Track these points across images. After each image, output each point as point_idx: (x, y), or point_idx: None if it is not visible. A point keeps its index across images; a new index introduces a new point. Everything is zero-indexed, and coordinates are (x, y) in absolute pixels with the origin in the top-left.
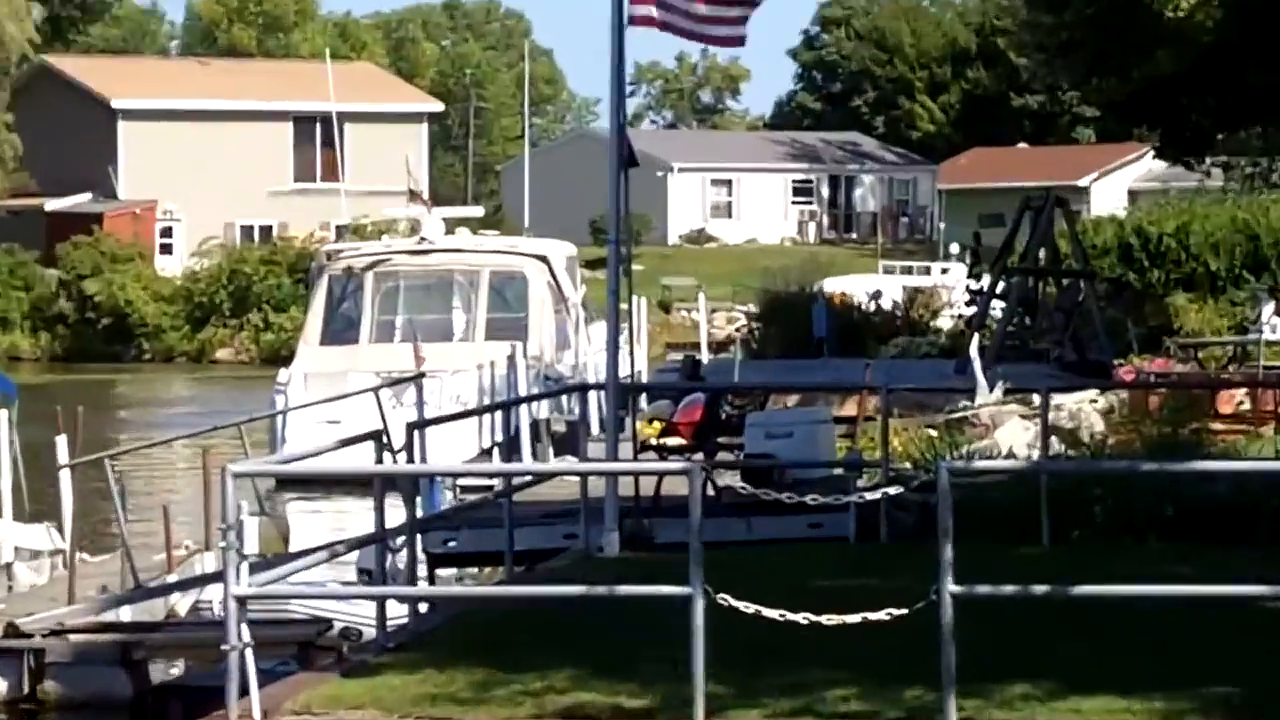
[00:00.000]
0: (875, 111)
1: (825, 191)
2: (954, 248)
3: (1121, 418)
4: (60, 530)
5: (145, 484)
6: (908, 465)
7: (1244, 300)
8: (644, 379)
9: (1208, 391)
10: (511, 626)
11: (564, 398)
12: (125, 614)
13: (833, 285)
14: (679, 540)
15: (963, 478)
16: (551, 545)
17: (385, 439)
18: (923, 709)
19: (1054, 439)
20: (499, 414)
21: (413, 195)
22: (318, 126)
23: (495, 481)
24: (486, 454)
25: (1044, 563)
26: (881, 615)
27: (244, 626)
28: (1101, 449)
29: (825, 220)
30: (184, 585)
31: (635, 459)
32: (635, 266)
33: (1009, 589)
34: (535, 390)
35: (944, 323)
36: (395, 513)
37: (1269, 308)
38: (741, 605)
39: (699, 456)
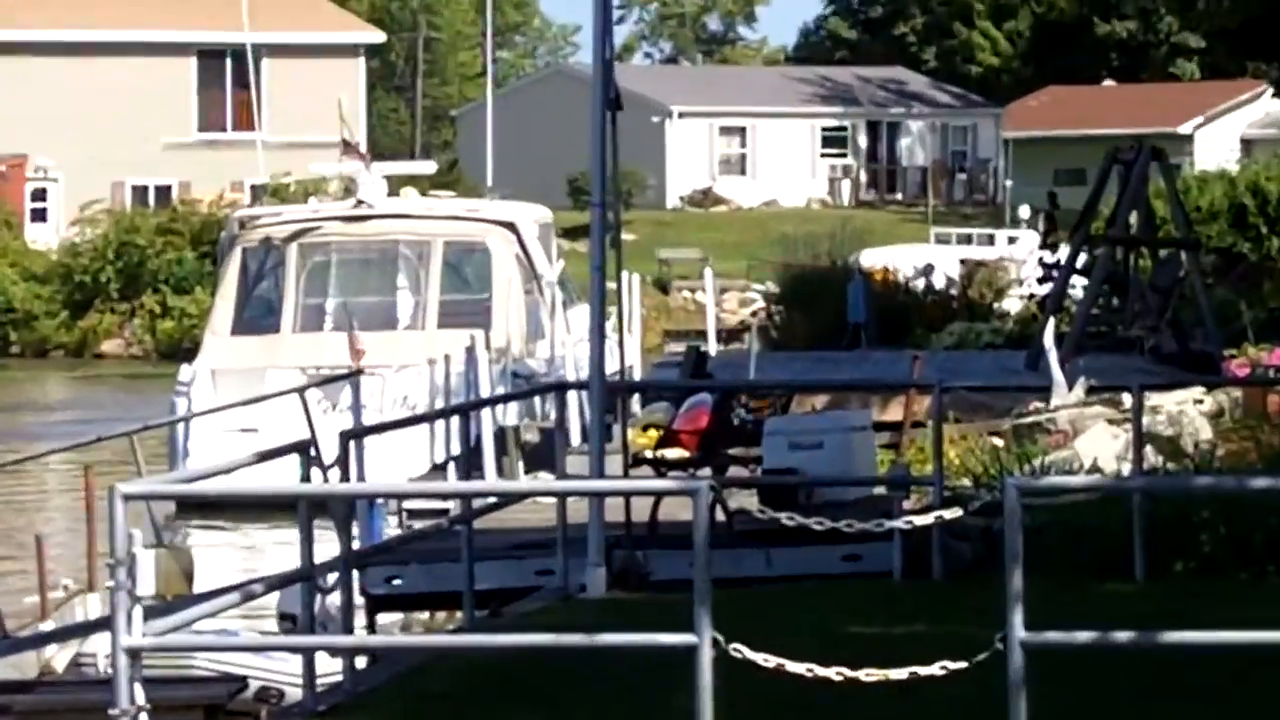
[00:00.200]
0: (925, 41)
1: (863, 142)
2: (1024, 211)
3: (1234, 422)
4: None
5: (13, 510)
6: (966, 483)
7: None
8: (637, 376)
9: None
10: (471, 684)
11: (537, 399)
12: None
13: (872, 258)
14: (681, 577)
15: (1035, 498)
16: (522, 584)
17: (314, 451)
18: None
19: (1149, 449)
20: (455, 420)
21: (347, 147)
22: (228, 62)
23: (451, 504)
24: (440, 470)
25: (1137, 603)
26: (934, 669)
27: (137, 686)
28: (1209, 461)
29: (863, 177)
30: (62, 635)
31: (626, 476)
32: (626, 236)
33: (1092, 635)
34: (501, 390)
35: (1011, 305)
36: (326, 544)
37: None
38: (759, 658)
39: (706, 472)
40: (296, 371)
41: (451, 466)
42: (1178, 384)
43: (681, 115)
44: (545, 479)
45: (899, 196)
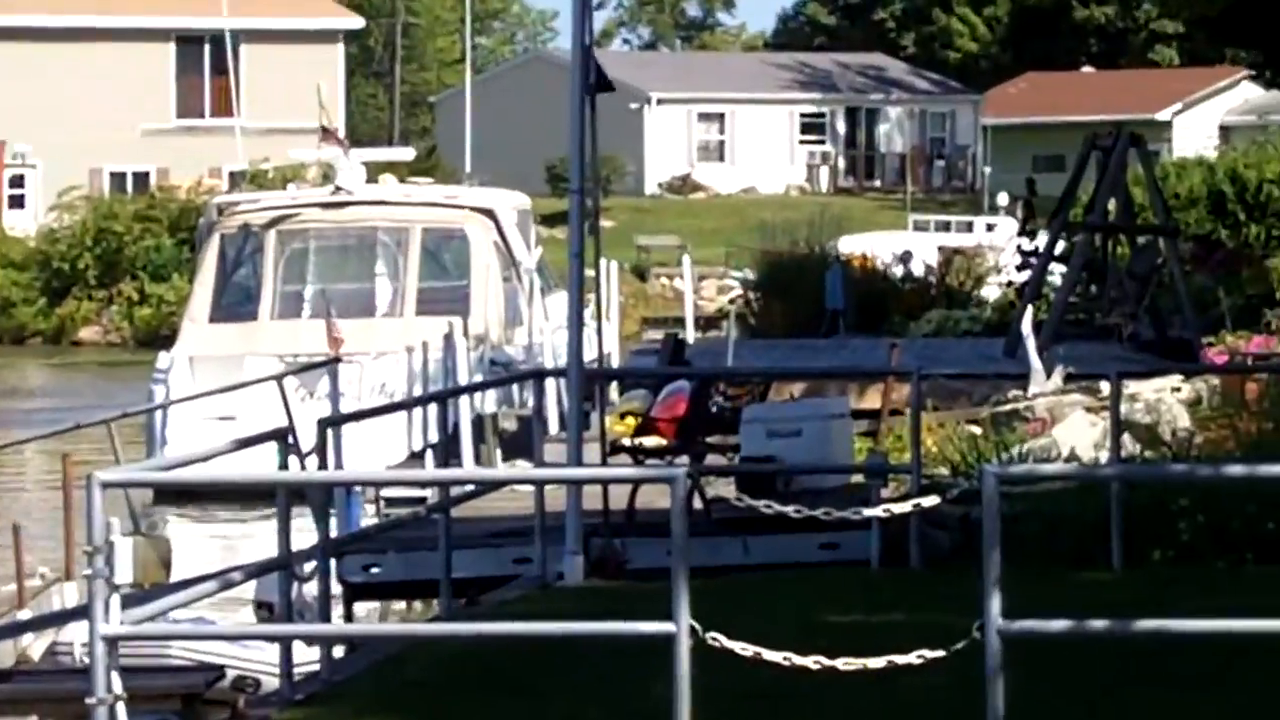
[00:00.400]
0: (904, 27)
1: (841, 128)
2: (1002, 198)
3: (1212, 409)
4: None
5: None
6: (944, 471)
7: None
8: (615, 363)
9: None
10: (449, 673)
11: (515, 387)
12: None
13: (850, 245)
14: (659, 565)
15: (1013, 486)
16: (499, 572)
17: (291, 439)
18: None
19: (1127, 437)
20: (433, 408)
21: (325, 134)
22: (206, 48)
23: (429, 492)
24: (418, 458)
25: (1114, 591)
26: (911, 658)
27: (114, 675)
28: (1186, 449)
29: (841, 164)
30: (39, 623)
31: (604, 464)
32: (604, 222)
33: (1069, 624)
34: (479, 378)
35: (990, 292)
36: (304, 533)
37: None
38: (737, 646)
39: (683, 460)
40: (274, 359)
41: (429, 454)
42: (1156, 371)
43: (660, 101)
44: (523, 467)
45: (877, 183)
